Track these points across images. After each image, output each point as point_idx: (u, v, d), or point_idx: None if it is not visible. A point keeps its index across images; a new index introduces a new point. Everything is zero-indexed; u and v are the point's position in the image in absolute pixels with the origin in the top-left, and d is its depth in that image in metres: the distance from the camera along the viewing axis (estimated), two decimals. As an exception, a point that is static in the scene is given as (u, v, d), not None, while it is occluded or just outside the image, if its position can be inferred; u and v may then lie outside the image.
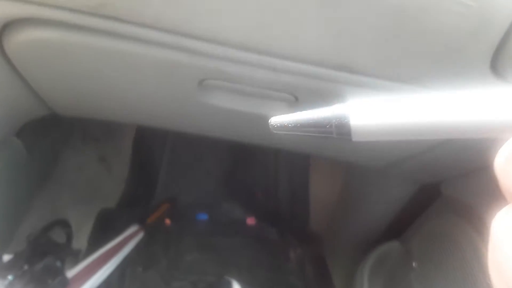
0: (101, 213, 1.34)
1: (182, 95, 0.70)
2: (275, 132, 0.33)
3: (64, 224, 1.20)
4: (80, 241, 1.22)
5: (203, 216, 1.47)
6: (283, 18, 0.51)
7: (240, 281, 1.01)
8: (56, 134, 1.23)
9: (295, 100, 0.68)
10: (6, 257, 0.92)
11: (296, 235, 1.49)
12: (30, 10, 0.53)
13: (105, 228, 1.27)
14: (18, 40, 0.58)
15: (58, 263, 0.99)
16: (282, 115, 0.33)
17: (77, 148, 1.41)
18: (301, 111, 0.31)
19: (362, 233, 1.32)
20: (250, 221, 1.50)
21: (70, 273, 1.01)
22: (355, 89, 0.62)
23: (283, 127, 0.31)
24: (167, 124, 0.89)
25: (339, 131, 0.27)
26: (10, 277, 0.89)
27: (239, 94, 0.71)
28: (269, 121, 0.32)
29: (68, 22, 0.54)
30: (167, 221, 1.39)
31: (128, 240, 1.18)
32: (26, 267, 0.93)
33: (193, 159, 1.59)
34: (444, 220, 0.99)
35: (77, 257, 1.13)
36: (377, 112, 0.27)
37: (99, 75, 0.68)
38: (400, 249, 1.15)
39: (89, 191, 1.40)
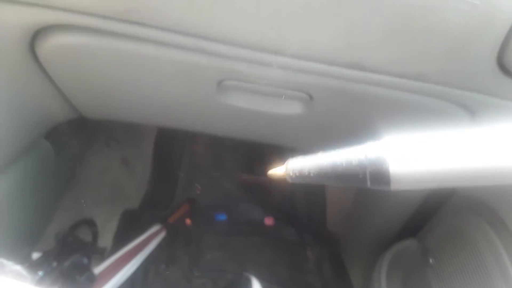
0: (125, 213, 1.39)
1: (201, 96, 0.73)
2: (292, 182, 0.29)
3: (90, 223, 1.24)
4: (105, 240, 1.26)
5: (222, 217, 1.50)
6: (296, 19, 0.53)
7: (259, 279, 1.03)
8: (82, 137, 1.28)
9: (310, 99, 0.71)
10: (36, 255, 0.95)
11: (314, 236, 1.51)
12: (61, 17, 0.57)
13: (129, 228, 1.31)
14: (50, 45, 0.62)
15: (85, 260, 1.02)
16: (300, 159, 0.28)
17: (101, 151, 1.45)
18: (321, 154, 0.25)
19: (379, 232, 1.32)
20: (268, 221, 1.52)
21: (97, 269, 1.04)
22: (366, 87, 0.64)
23: (303, 176, 0.26)
24: (187, 125, 0.93)
25: (376, 180, 0.23)
26: (40, 273, 0.92)
27: (256, 94, 0.74)
28: (285, 167, 0.28)
29: (96, 27, 0.58)
30: (188, 221, 1.43)
31: (151, 239, 1.21)
32: (55, 264, 0.95)
33: (211, 161, 1.63)
34: (460, 217, 1.00)
35: (103, 254, 1.16)
36: (419, 157, 0.23)
37: (124, 78, 0.71)
38: (417, 247, 1.15)
39: (112, 192, 1.44)
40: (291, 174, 0.27)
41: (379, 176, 0.23)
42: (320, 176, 0.25)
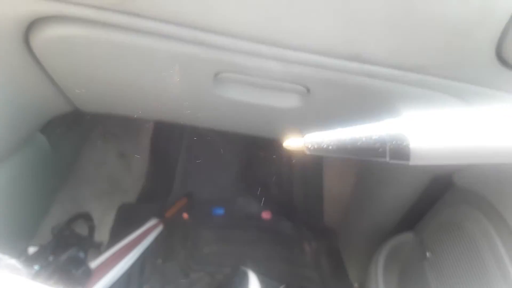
0: (121, 207, 1.38)
1: (198, 89, 0.73)
2: (310, 154, 0.29)
3: (86, 217, 1.24)
4: (101, 234, 1.26)
5: (220, 211, 1.49)
6: (294, 10, 0.53)
7: (256, 273, 1.03)
8: (78, 130, 1.27)
9: (307, 92, 0.71)
10: (32, 249, 0.95)
11: (311, 229, 1.51)
12: (56, 8, 0.56)
13: (125, 222, 1.31)
14: (44, 37, 0.61)
15: (82, 254, 1.02)
16: (318, 134, 0.28)
17: (97, 144, 1.45)
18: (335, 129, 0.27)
19: (376, 226, 1.33)
20: (266, 215, 1.52)
21: (93, 264, 1.04)
22: (365, 79, 0.64)
23: (320, 149, 0.27)
24: (184, 119, 0.92)
25: (395, 155, 0.24)
26: (36, 267, 0.92)
27: (252, 87, 0.73)
28: (303, 141, 0.28)
29: (91, 18, 0.57)
30: (185, 215, 1.42)
31: (148, 233, 1.21)
32: (51, 258, 0.95)
33: (208, 155, 1.62)
34: (457, 210, 1.00)
35: (99, 249, 1.16)
36: (439, 134, 0.23)
37: (119, 70, 0.71)
38: (414, 240, 1.16)
39: (109, 186, 1.44)
40: (309, 147, 0.27)
41: (399, 151, 0.23)
42: (339, 150, 0.26)
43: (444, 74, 0.59)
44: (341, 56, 0.59)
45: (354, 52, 0.57)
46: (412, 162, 0.24)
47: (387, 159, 0.25)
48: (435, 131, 0.24)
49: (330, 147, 0.26)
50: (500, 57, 0.55)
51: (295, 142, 0.30)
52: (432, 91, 0.64)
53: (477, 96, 0.64)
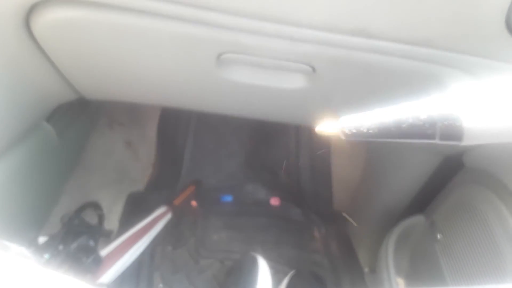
0: (130, 196, 1.39)
1: (201, 71, 0.72)
2: (348, 139, 0.26)
3: (95, 206, 1.24)
4: (111, 223, 1.26)
5: (228, 198, 1.50)
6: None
7: (265, 258, 1.03)
8: (84, 119, 1.27)
9: (313, 71, 0.69)
10: (42, 239, 0.95)
11: (320, 215, 1.50)
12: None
13: (134, 210, 1.32)
14: (45, 20, 0.60)
15: (92, 243, 1.02)
16: (355, 116, 0.26)
17: (104, 133, 1.45)
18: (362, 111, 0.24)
19: (386, 210, 1.32)
20: (274, 201, 1.52)
21: (103, 252, 1.04)
22: (372, 55, 0.62)
23: (360, 133, 0.25)
24: (188, 104, 0.91)
25: (447, 135, 0.23)
26: (46, 256, 0.92)
27: (256, 68, 0.72)
28: (340, 128, 0.26)
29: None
30: (193, 202, 1.42)
31: (157, 221, 1.22)
32: (61, 247, 0.96)
33: (216, 142, 1.62)
34: (468, 190, 0.99)
35: (109, 237, 1.17)
36: (491, 113, 0.22)
37: (122, 54, 0.70)
38: (424, 222, 1.15)
39: (117, 175, 1.44)
40: (346, 131, 0.25)
41: (452, 131, 0.22)
42: (382, 133, 0.24)
43: (452, 47, 0.57)
44: (346, 32, 0.57)
45: (359, 27, 0.56)
46: (465, 142, 0.23)
47: (437, 139, 0.23)
48: (486, 109, 0.22)
49: (371, 131, 0.24)
50: (510, 28, 0.53)
51: (329, 126, 0.28)
52: (441, 66, 0.62)
53: (487, 71, 0.62)
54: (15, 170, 0.89)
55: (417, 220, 1.18)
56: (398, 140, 0.24)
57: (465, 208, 0.96)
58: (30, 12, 0.60)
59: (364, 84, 0.71)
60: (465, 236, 0.94)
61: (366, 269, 1.39)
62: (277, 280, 1.11)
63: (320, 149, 1.63)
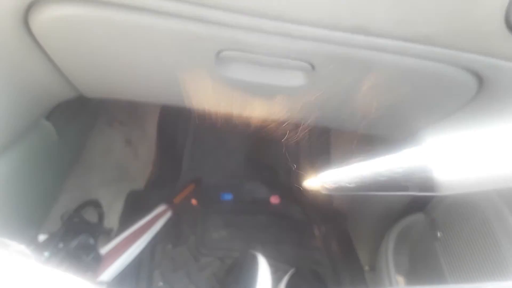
0: (130, 194, 1.39)
1: (200, 69, 0.72)
2: (329, 193, 0.28)
3: (95, 204, 1.24)
4: (111, 221, 1.26)
5: (228, 196, 1.50)
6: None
7: (265, 256, 1.03)
8: (84, 118, 1.27)
9: (312, 69, 0.69)
10: (42, 237, 0.95)
11: (320, 213, 1.50)
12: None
13: (134, 208, 1.31)
14: (43, 18, 0.60)
15: (92, 241, 1.02)
16: (335, 171, 0.27)
17: (104, 132, 1.45)
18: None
19: (386, 208, 1.32)
20: (274, 199, 1.52)
21: (103, 250, 1.04)
22: (371, 53, 0.62)
23: (340, 188, 0.26)
24: (186, 101, 0.91)
25: (424, 187, 0.24)
26: (46, 254, 0.93)
27: (256, 65, 0.72)
28: (321, 183, 0.27)
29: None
30: (193, 201, 1.42)
31: (157, 219, 1.22)
32: (61, 245, 0.96)
33: (216, 141, 1.62)
34: (468, 188, 0.98)
35: (109, 235, 1.17)
36: (465, 162, 0.23)
37: (121, 51, 0.70)
38: (424, 220, 1.15)
39: (117, 173, 1.44)
40: (327, 187, 0.26)
41: (428, 183, 0.23)
42: (361, 187, 0.25)
43: (452, 44, 0.57)
44: (345, 29, 0.57)
45: (359, 24, 0.55)
46: (442, 193, 0.24)
47: (415, 191, 0.24)
48: (461, 160, 0.23)
49: (351, 185, 0.25)
50: (509, 25, 0.53)
51: (311, 182, 0.29)
52: (441, 64, 0.62)
53: (487, 69, 0.62)
54: (14, 168, 0.89)
55: (417, 218, 1.18)
56: (377, 193, 0.24)
57: (465, 207, 0.96)
58: (28, 10, 0.60)
59: (364, 81, 0.71)
60: (466, 234, 0.94)
61: (366, 267, 1.39)
62: (277, 278, 1.11)
63: (320, 147, 1.63)
